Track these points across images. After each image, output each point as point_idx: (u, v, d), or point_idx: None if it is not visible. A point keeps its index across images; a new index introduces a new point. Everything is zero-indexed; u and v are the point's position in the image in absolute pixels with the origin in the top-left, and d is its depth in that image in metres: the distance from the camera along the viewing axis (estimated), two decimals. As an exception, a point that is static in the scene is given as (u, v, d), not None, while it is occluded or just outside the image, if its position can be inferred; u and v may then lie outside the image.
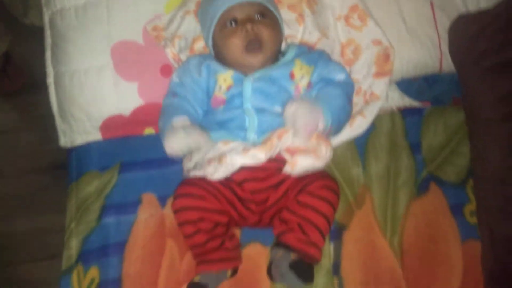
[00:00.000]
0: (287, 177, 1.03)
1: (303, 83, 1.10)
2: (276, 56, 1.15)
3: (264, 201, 1.03)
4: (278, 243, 0.99)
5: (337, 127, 1.07)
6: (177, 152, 1.01)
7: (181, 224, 1.00)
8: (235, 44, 1.07)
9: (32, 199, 1.79)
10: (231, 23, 1.08)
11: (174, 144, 1.00)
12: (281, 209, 1.02)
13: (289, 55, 1.13)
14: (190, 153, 1.06)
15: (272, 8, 1.11)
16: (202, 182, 1.00)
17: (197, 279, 0.99)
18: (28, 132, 1.95)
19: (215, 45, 1.13)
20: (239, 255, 1.05)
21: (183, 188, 1.01)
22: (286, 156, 1.02)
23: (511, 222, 1.00)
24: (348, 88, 1.11)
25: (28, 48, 2.03)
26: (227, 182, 1.02)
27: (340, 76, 1.10)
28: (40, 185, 1.82)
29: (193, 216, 0.98)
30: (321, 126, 1.00)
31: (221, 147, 1.02)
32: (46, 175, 1.84)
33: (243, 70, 1.09)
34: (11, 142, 1.93)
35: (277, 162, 1.02)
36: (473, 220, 1.13)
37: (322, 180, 1.00)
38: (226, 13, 1.08)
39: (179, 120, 1.04)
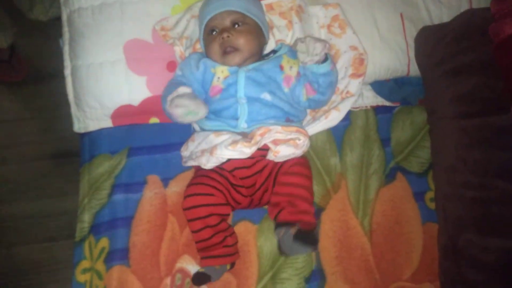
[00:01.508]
0: (269, 162, 1.10)
1: (292, 72, 1.16)
2: (259, 55, 1.21)
3: (252, 185, 1.10)
4: (277, 224, 1.06)
5: (331, 80, 1.14)
6: (180, 115, 1.06)
7: (191, 221, 1.05)
8: (214, 50, 1.14)
9: (34, 185, 1.80)
10: (212, 31, 1.16)
11: (179, 107, 1.05)
12: (266, 190, 1.09)
13: (279, 53, 1.20)
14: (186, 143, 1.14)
15: (251, 15, 1.16)
16: (208, 179, 1.06)
17: (202, 270, 1.05)
18: (31, 121, 1.95)
19: (205, 48, 1.20)
20: (237, 250, 1.11)
21: (192, 188, 1.06)
22: (270, 145, 1.08)
23: (460, 204, 1.07)
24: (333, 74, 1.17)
25: (32, 42, 2.06)
26: (221, 170, 1.08)
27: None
28: (42, 172, 1.83)
29: (203, 212, 1.04)
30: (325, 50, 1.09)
31: (213, 139, 1.08)
32: (48, 162, 1.85)
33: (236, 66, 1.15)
34: (14, 130, 1.93)
35: (261, 150, 1.08)
36: (432, 205, 1.21)
37: (293, 160, 1.08)
38: (209, 22, 1.16)
39: (184, 88, 1.10)
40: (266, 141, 1.07)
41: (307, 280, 1.14)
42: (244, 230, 1.16)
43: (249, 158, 1.07)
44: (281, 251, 1.04)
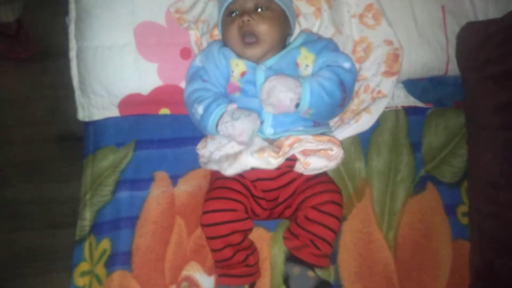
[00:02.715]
0: (297, 176, 0.98)
1: (307, 72, 1.03)
2: (283, 46, 1.08)
3: (274, 199, 0.99)
4: (293, 258, 0.96)
5: (320, 110, 0.97)
6: (245, 141, 0.93)
7: (211, 239, 0.94)
8: (232, 33, 1.01)
9: (39, 168, 1.71)
10: (232, 13, 1.03)
11: (243, 134, 0.92)
12: (289, 206, 0.98)
13: (296, 42, 1.06)
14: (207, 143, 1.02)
15: (277, 0, 1.03)
16: (228, 192, 0.95)
17: None
18: (38, 101, 1.84)
19: (222, 32, 1.07)
20: (258, 269, 1.00)
21: (212, 203, 0.94)
22: (299, 156, 0.96)
23: (500, 225, 0.96)
24: (346, 74, 1.01)
25: (40, 16, 1.93)
26: (242, 179, 0.97)
27: (345, 65, 1.03)
28: (47, 155, 1.73)
29: (224, 230, 0.93)
30: (290, 105, 0.92)
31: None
32: (53, 145, 1.75)
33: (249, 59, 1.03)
34: (20, 110, 1.82)
35: (288, 160, 0.96)
36: (464, 221, 1.10)
37: (328, 194, 0.95)
38: (231, 4, 1.02)
39: (231, 104, 0.97)
40: (295, 151, 0.95)
41: (324, 295, 1.03)
42: (258, 237, 1.06)
43: (274, 169, 0.96)
44: (287, 284, 0.95)
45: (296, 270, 0.94)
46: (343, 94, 1.00)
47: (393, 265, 1.06)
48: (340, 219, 0.97)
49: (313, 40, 1.07)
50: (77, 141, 1.69)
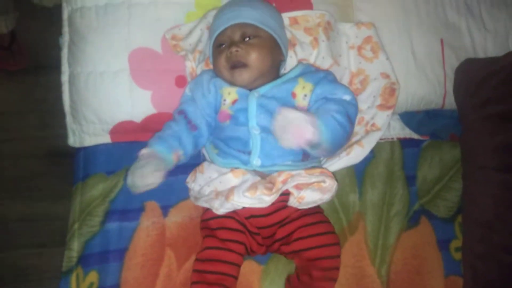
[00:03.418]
0: (292, 212, 0.96)
1: (305, 102, 1.01)
2: (276, 72, 1.07)
3: (270, 236, 0.97)
4: None
5: (333, 144, 0.92)
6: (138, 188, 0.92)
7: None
8: (221, 65, 1.01)
9: (28, 184, 1.66)
10: (221, 45, 1.02)
11: (136, 181, 0.91)
12: (287, 243, 0.96)
13: (293, 73, 1.05)
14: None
15: (265, 27, 1.01)
16: (224, 253, 0.93)
17: None
18: (29, 115, 1.79)
19: (213, 64, 1.06)
20: None
21: (203, 265, 0.94)
22: (292, 190, 0.95)
23: (495, 268, 0.96)
24: (350, 107, 0.99)
25: (35, 29, 1.89)
26: (237, 216, 0.95)
27: (345, 97, 1.00)
28: (37, 171, 1.69)
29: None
30: (313, 138, 0.84)
31: (230, 178, 0.95)
32: (44, 160, 1.71)
33: (243, 87, 1.01)
34: (11, 123, 1.77)
35: (281, 195, 0.94)
36: (457, 256, 1.09)
37: (328, 249, 0.94)
38: (220, 35, 1.02)
39: (145, 152, 0.95)
40: (288, 187, 0.94)
41: (316, 331, 1.02)
42: (249, 270, 1.04)
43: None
44: None
45: None
46: (351, 127, 0.98)
47: (386, 302, 1.05)
48: (339, 268, 0.96)
49: (311, 71, 1.05)
50: (68, 157, 1.67)
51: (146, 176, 0.90)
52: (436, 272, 1.08)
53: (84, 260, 1.02)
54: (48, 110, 1.77)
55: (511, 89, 0.99)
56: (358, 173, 1.14)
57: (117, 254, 1.02)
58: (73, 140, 1.14)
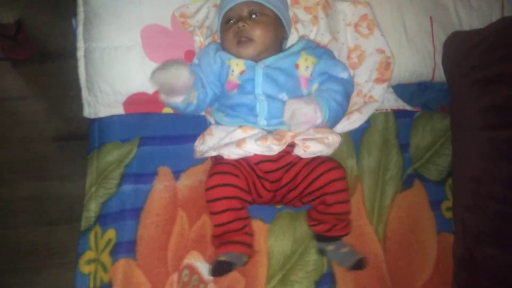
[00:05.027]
0: (296, 158, 1.06)
1: (307, 73, 1.11)
2: (279, 47, 1.16)
3: (277, 180, 1.06)
4: (323, 237, 1.09)
5: (333, 122, 1.09)
6: (157, 80, 0.99)
7: (213, 201, 1.00)
8: (229, 39, 1.10)
9: (36, 166, 1.75)
10: (229, 21, 1.11)
11: (167, 77, 0.98)
12: (293, 189, 1.06)
13: (297, 47, 1.15)
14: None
15: (270, 6, 1.11)
16: (235, 161, 1.03)
17: (223, 258, 0.98)
18: (35, 101, 1.89)
19: (221, 38, 1.15)
20: (253, 245, 1.07)
21: (219, 166, 1.02)
22: (299, 142, 1.04)
23: (482, 217, 1.04)
24: (349, 86, 1.11)
25: (40, 19, 1.98)
26: (245, 161, 1.04)
27: (343, 74, 1.11)
28: (45, 154, 1.77)
29: (229, 192, 0.99)
30: (318, 122, 1.00)
31: (240, 133, 1.04)
32: (51, 144, 1.79)
33: (249, 59, 1.11)
34: (18, 109, 1.85)
35: (287, 147, 1.04)
36: (448, 215, 1.18)
37: (333, 172, 1.03)
38: (228, 11, 1.11)
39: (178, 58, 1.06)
40: (295, 139, 1.04)
41: (317, 283, 1.11)
42: (255, 229, 1.12)
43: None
44: (326, 256, 1.10)
45: (330, 247, 1.07)
46: (348, 103, 1.11)
47: (383, 256, 1.14)
48: (348, 189, 1.07)
49: (312, 47, 1.15)
50: (74, 141, 1.77)
51: (182, 74, 0.98)
52: (429, 230, 1.18)
53: (102, 219, 1.10)
54: (53, 96, 1.88)
55: (493, 56, 1.09)
56: (356, 141, 1.24)
57: (133, 213, 1.10)
58: (88, 111, 1.21)
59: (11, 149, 1.78)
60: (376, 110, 1.26)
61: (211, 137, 1.08)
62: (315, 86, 1.10)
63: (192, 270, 1.08)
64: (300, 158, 1.06)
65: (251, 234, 1.05)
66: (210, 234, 1.10)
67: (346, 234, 1.09)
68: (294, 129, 1.01)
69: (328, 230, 1.07)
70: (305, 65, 1.11)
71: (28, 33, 1.94)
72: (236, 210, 1.01)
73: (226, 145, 1.04)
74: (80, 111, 1.22)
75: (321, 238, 1.09)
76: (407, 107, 1.29)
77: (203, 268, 1.08)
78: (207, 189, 1.01)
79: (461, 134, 1.15)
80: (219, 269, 0.98)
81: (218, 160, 1.07)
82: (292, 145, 1.05)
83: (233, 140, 1.04)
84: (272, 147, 1.01)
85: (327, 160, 1.07)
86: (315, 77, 1.11)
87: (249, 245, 1.04)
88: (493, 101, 1.06)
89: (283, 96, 1.08)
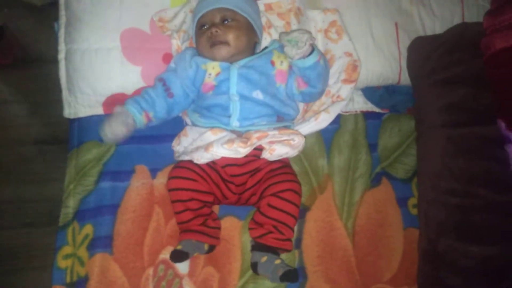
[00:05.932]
0: (262, 164, 1.11)
1: (284, 67, 1.17)
2: (252, 51, 1.22)
3: (242, 184, 1.11)
4: (259, 247, 1.06)
5: (324, 70, 1.15)
6: (108, 138, 1.11)
7: (173, 202, 1.07)
8: (203, 44, 1.16)
9: (16, 169, 1.75)
10: (202, 27, 1.17)
11: (105, 131, 1.10)
12: (254, 194, 1.10)
13: (269, 48, 1.21)
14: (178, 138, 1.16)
15: (242, 12, 1.16)
16: (194, 165, 1.07)
17: (179, 247, 1.04)
18: (17, 105, 1.90)
19: (196, 43, 1.20)
20: (218, 236, 1.11)
21: (177, 171, 1.08)
22: (265, 145, 1.09)
23: (442, 210, 1.10)
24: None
25: (23, 25, 2.00)
26: (213, 164, 1.09)
27: None
28: (25, 157, 1.78)
29: (184, 196, 1.05)
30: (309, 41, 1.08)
31: (210, 136, 1.08)
32: (32, 147, 1.80)
33: (226, 61, 1.16)
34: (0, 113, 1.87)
35: (254, 150, 1.09)
36: (414, 211, 1.24)
37: (288, 184, 1.07)
38: (201, 18, 1.17)
39: (118, 109, 1.12)
40: (261, 142, 1.09)
41: (289, 278, 1.14)
42: (230, 225, 1.17)
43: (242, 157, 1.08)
44: (257, 273, 1.05)
45: (263, 258, 1.04)
46: (328, 71, 1.20)
47: (352, 251, 1.19)
48: (299, 206, 1.08)
49: (282, 46, 1.21)
50: (55, 144, 1.79)
51: (114, 128, 1.09)
52: (395, 225, 1.23)
53: (80, 215, 1.13)
54: (36, 101, 1.90)
55: (451, 59, 1.17)
56: (327, 141, 1.29)
57: (111, 209, 1.13)
58: (69, 112, 1.25)
59: (-8, 152, 1.79)
60: (346, 112, 1.32)
61: (186, 138, 1.13)
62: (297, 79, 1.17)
63: (168, 264, 1.11)
64: (266, 165, 1.11)
65: (214, 227, 1.10)
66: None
67: (281, 249, 1.06)
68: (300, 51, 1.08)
69: (263, 236, 1.06)
70: (280, 60, 1.18)
71: (11, 39, 1.98)
72: (194, 210, 1.06)
73: (197, 149, 1.09)
74: (61, 115, 1.26)
75: (256, 246, 1.07)
76: (376, 109, 1.36)
77: (178, 263, 1.11)
78: (168, 190, 1.08)
79: (423, 132, 1.22)
80: (175, 256, 1.03)
81: (177, 164, 1.12)
82: (260, 149, 1.10)
83: (203, 143, 1.09)
84: (239, 150, 1.06)
85: (289, 173, 1.11)
86: (293, 68, 1.16)
87: (211, 236, 1.08)
88: (451, 100, 1.13)
89: (257, 93, 1.13)
